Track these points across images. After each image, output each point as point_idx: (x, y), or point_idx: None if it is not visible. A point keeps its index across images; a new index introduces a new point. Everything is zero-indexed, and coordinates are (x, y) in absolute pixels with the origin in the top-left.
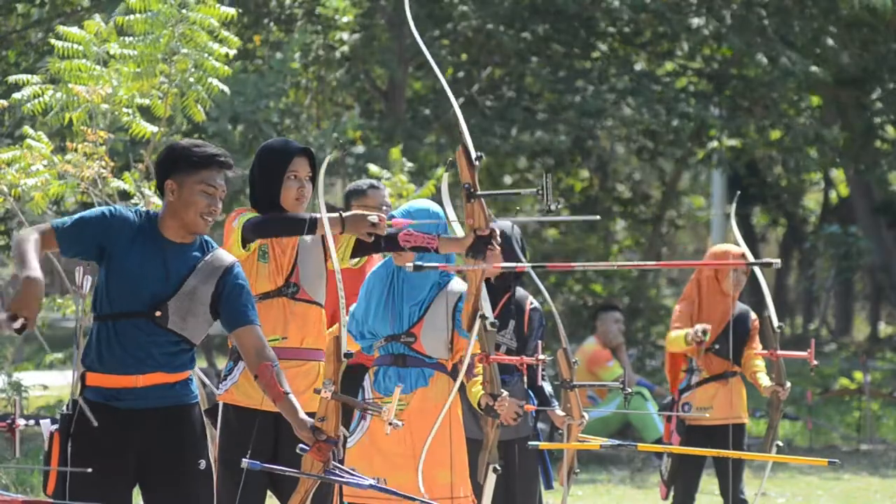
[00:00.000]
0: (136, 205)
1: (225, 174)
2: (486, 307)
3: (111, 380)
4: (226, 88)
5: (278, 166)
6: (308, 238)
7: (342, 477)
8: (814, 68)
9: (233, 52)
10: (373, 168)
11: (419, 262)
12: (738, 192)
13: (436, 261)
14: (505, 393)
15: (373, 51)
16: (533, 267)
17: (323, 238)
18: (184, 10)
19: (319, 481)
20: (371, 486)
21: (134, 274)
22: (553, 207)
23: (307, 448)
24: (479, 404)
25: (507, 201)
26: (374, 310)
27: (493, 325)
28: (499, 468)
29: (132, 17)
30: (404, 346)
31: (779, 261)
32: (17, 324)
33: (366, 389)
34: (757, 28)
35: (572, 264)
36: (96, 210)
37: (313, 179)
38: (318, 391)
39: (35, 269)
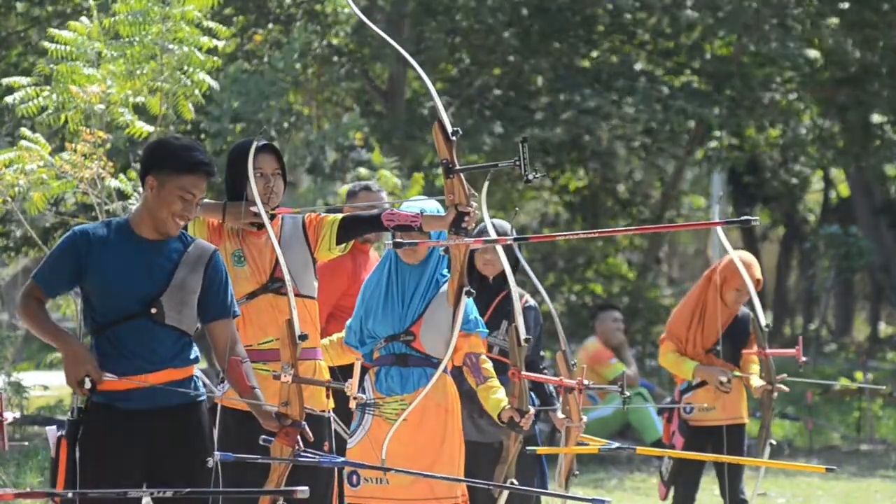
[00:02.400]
0: (132, 205)
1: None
2: (520, 323)
3: (119, 382)
4: (214, 84)
5: (243, 163)
6: (288, 232)
7: (313, 458)
8: (812, 53)
9: (222, 44)
10: (363, 171)
11: (399, 240)
12: (721, 195)
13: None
14: (532, 410)
15: (371, 48)
16: (515, 240)
17: (304, 229)
18: (167, 8)
19: (290, 467)
20: (344, 463)
21: (118, 278)
22: (531, 178)
23: (271, 438)
24: (499, 417)
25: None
26: (374, 312)
27: (526, 340)
28: (515, 482)
29: (116, 18)
30: (404, 345)
31: (758, 218)
32: (87, 384)
33: (367, 390)
34: (753, 17)
35: (554, 235)
36: (65, 240)
37: (284, 175)
38: (276, 376)
39: (64, 335)
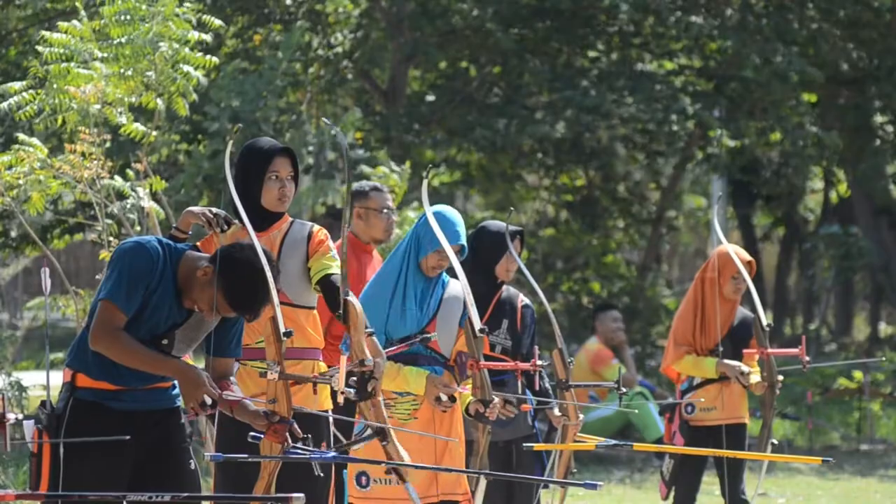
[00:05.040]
0: (132, 205)
1: None
2: (474, 314)
3: (107, 384)
4: (203, 80)
5: (259, 166)
6: (292, 236)
7: (304, 455)
8: (810, 69)
9: (209, 37)
10: (367, 169)
11: (426, 335)
12: (720, 196)
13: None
14: (496, 399)
15: (370, 47)
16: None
17: (308, 241)
18: (154, 6)
19: (281, 464)
20: (335, 458)
21: (152, 313)
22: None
23: (260, 435)
24: (466, 410)
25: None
26: (391, 314)
27: (482, 331)
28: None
29: (105, 21)
30: (419, 346)
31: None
32: (209, 401)
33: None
34: (754, 28)
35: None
36: (141, 260)
37: (296, 179)
38: (263, 374)
39: (171, 361)
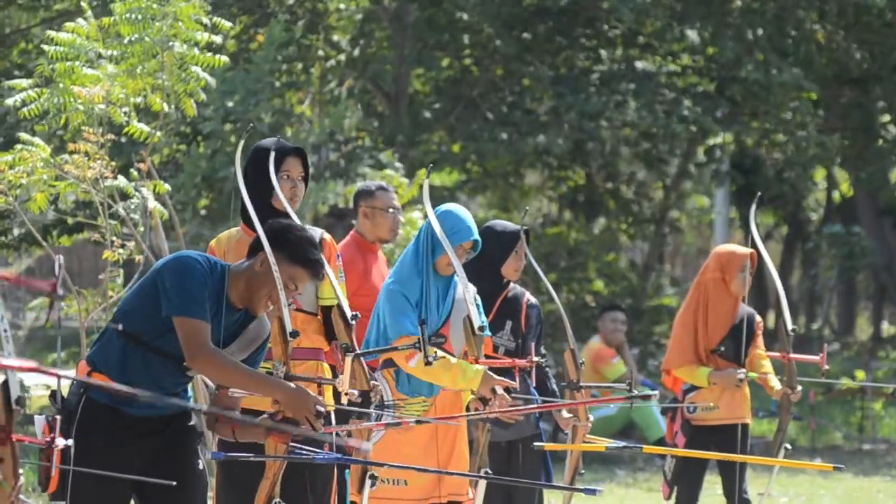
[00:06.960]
0: (136, 205)
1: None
2: (473, 312)
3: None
4: (211, 80)
5: (266, 165)
6: None
7: (308, 454)
8: (807, 83)
9: (219, 38)
10: (370, 171)
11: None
12: (759, 195)
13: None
14: (496, 399)
15: (373, 53)
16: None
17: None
18: (166, 6)
19: (285, 463)
20: (338, 459)
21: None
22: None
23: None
24: (467, 408)
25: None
26: (404, 318)
27: (480, 328)
28: (490, 472)
29: (115, 18)
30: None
31: (657, 393)
32: (323, 409)
33: (386, 391)
34: (749, 39)
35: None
36: (197, 273)
37: (306, 179)
38: (270, 374)
39: (275, 380)
